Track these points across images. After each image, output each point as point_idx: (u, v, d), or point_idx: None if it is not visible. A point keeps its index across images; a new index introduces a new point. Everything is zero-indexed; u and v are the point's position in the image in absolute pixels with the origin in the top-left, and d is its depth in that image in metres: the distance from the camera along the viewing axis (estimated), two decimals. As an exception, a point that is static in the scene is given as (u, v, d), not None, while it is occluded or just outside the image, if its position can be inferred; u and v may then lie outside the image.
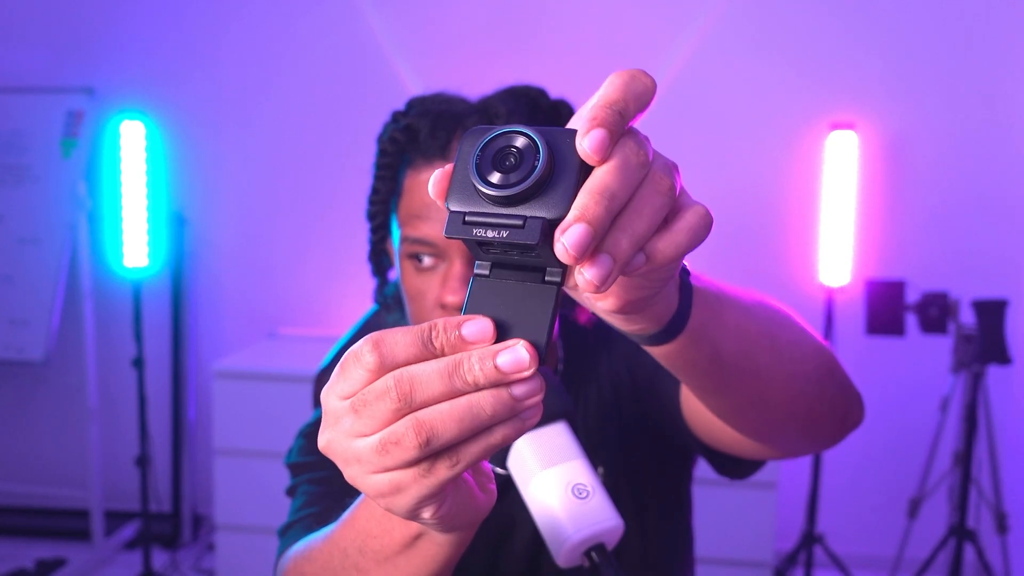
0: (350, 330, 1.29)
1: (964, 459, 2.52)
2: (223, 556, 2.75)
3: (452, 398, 0.42)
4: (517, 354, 0.41)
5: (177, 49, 3.21)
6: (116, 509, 3.31)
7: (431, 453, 0.42)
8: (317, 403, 1.26)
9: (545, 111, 0.97)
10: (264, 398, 2.67)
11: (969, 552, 2.82)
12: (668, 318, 0.53)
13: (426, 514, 0.45)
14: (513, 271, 0.44)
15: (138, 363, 2.94)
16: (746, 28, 2.97)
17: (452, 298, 0.85)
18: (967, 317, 2.57)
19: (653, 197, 0.42)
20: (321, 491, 0.87)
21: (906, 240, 2.99)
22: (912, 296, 2.59)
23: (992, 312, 2.41)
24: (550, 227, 0.41)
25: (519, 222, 0.41)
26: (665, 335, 0.54)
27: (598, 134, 0.40)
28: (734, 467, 0.91)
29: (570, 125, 0.44)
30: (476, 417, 0.41)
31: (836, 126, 2.86)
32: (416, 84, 3.03)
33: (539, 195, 0.41)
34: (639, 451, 0.98)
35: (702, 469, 1.14)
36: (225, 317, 3.32)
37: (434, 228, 0.87)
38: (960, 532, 2.54)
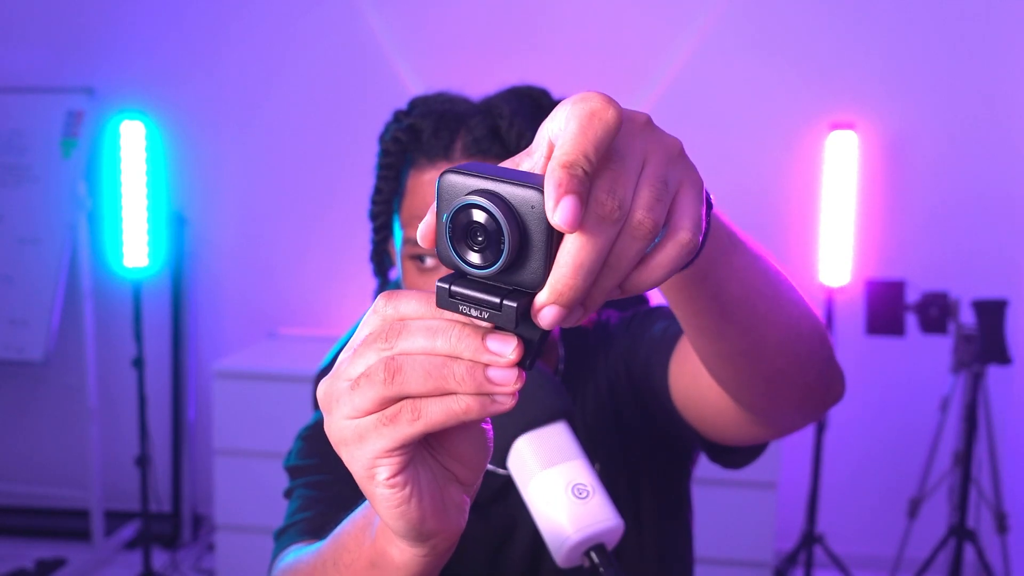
0: (350, 330, 1.29)
1: (964, 459, 2.52)
2: (223, 556, 2.75)
3: (428, 354, 0.43)
4: (505, 341, 0.42)
5: (177, 49, 3.21)
6: (116, 509, 3.31)
7: (395, 396, 0.43)
8: (316, 404, 1.26)
9: (548, 111, 0.97)
10: (264, 398, 2.67)
11: (969, 552, 2.81)
12: None
13: (382, 474, 0.45)
14: None
15: (138, 363, 2.94)
16: (746, 28, 2.97)
17: None
18: (967, 317, 2.57)
19: (630, 246, 0.42)
20: (316, 495, 0.87)
21: (906, 240, 2.99)
22: (912, 296, 2.59)
23: (992, 312, 2.41)
24: (526, 308, 0.42)
25: (497, 301, 0.42)
26: None
27: (566, 205, 0.38)
28: (727, 455, 0.90)
29: (534, 173, 0.43)
30: (444, 377, 0.42)
31: (836, 126, 2.86)
32: (416, 84, 3.03)
33: (514, 267, 0.42)
34: (638, 450, 0.98)
35: (702, 470, 1.14)
36: (225, 317, 3.32)
37: None
38: (960, 532, 2.54)
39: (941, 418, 2.71)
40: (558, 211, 0.38)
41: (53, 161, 3.13)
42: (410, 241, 0.89)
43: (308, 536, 0.81)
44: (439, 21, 3.09)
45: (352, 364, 0.45)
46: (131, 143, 3.03)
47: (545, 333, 0.43)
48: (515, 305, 0.41)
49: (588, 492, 0.70)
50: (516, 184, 0.41)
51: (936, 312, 2.48)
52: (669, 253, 0.43)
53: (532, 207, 0.41)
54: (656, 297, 1.18)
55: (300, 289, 3.25)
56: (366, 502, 0.57)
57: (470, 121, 0.89)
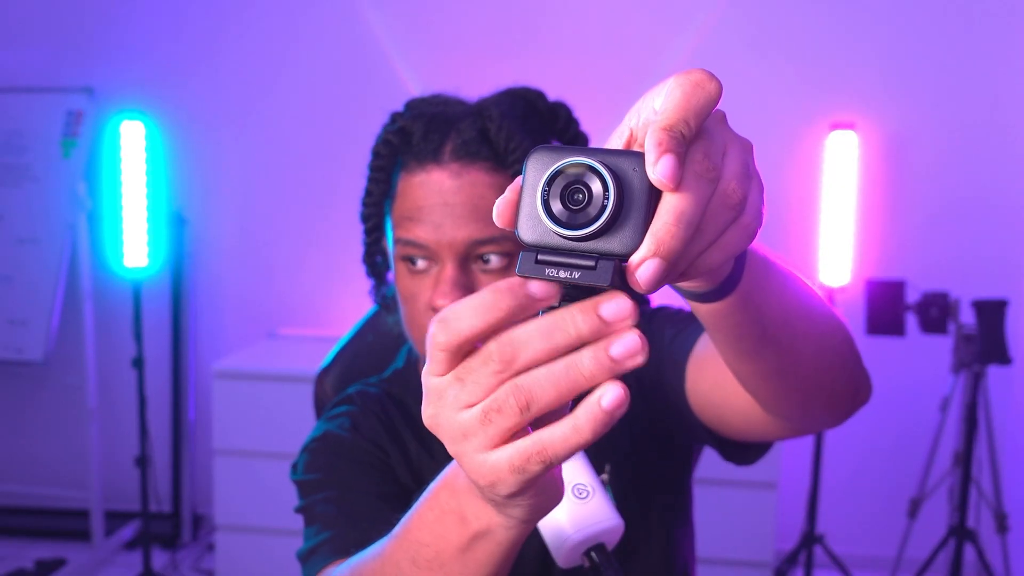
0: (351, 330, 1.29)
1: (964, 459, 2.52)
2: (223, 556, 2.75)
3: (554, 356, 0.41)
4: (620, 303, 0.41)
5: (177, 49, 3.21)
6: (116, 509, 3.31)
7: (532, 420, 0.42)
8: (318, 405, 1.26)
9: (543, 113, 0.97)
10: (264, 398, 2.67)
11: (969, 552, 2.81)
12: (721, 278, 0.52)
13: (527, 500, 0.45)
14: (579, 294, 0.44)
15: (138, 363, 2.94)
16: (746, 28, 2.97)
17: (443, 301, 0.85)
18: (967, 317, 2.57)
19: (721, 214, 0.43)
20: (335, 512, 0.87)
21: (906, 240, 2.99)
22: (912, 296, 2.59)
23: (992, 312, 2.41)
24: (621, 266, 0.41)
25: (591, 263, 0.41)
26: (716, 294, 0.54)
27: (667, 162, 0.40)
28: (740, 453, 0.90)
29: (635, 145, 0.44)
30: (573, 380, 0.41)
31: (836, 126, 2.86)
32: (416, 84, 3.03)
33: (609, 232, 0.41)
34: (645, 448, 0.98)
35: (702, 470, 1.14)
36: (225, 317, 3.32)
37: (426, 230, 0.87)
38: (960, 532, 2.54)
39: (941, 418, 2.71)
40: (659, 166, 0.40)
41: (53, 161, 3.13)
42: (401, 242, 0.89)
43: (341, 555, 0.80)
44: (439, 21, 3.09)
45: (465, 389, 0.43)
46: (131, 143, 3.03)
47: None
48: (614, 256, 0.41)
49: (588, 492, 0.70)
50: (612, 153, 0.42)
51: (936, 312, 2.48)
52: (734, 235, 0.44)
53: (634, 169, 0.41)
54: (656, 299, 1.17)
55: (300, 289, 3.25)
56: (423, 495, 0.57)
57: (460, 124, 0.89)
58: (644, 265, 0.40)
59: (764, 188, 0.47)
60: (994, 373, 2.72)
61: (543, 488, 0.47)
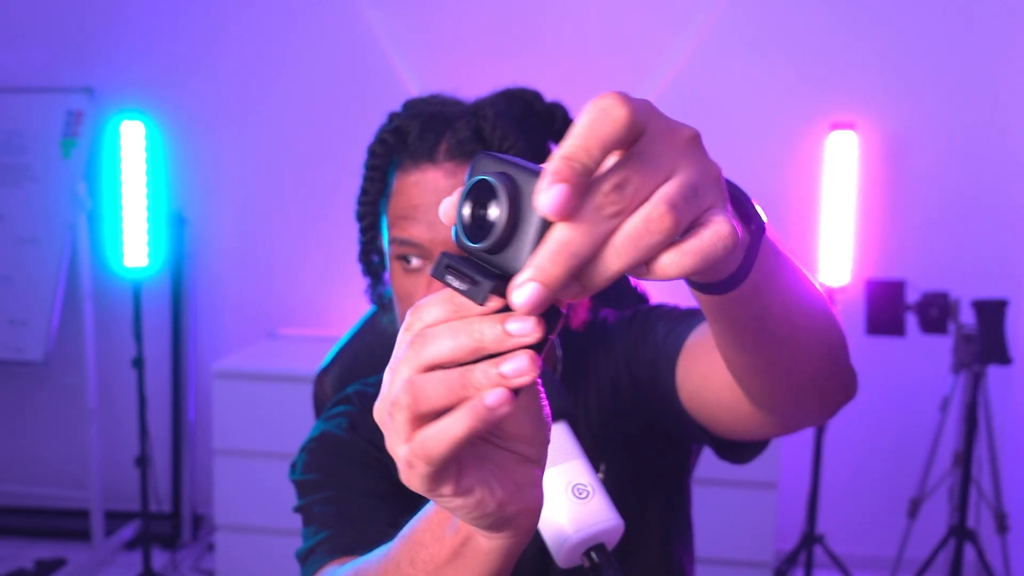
0: (350, 330, 1.29)
1: (964, 459, 2.52)
2: (223, 556, 2.75)
3: (457, 354, 0.43)
4: (526, 323, 0.42)
5: (177, 49, 3.21)
6: (116, 509, 3.31)
7: (424, 416, 0.44)
8: (318, 405, 1.26)
9: (540, 114, 0.97)
10: (264, 398, 2.67)
11: (969, 552, 2.81)
12: (729, 271, 0.51)
13: (446, 491, 0.46)
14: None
15: (138, 363, 2.94)
16: (746, 28, 2.97)
17: None
18: (967, 317, 2.57)
19: (644, 238, 0.40)
20: (334, 512, 0.87)
21: (906, 240, 2.99)
22: (912, 296, 2.59)
23: (992, 312, 2.41)
24: (497, 289, 0.42)
25: (478, 278, 0.42)
26: (722, 287, 0.53)
27: (556, 192, 0.39)
28: (735, 451, 0.91)
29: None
30: (464, 386, 0.43)
31: (836, 126, 2.86)
32: (416, 84, 3.03)
33: (507, 249, 0.42)
34: (641, 447, 0.98)
35: (702, 470, 1.14)
36: (225, 317, 3.32)
37: (421, 229, 0.87)
38: (960, 532, 2.54)
39: (941, 418, 2.71)
40: (545, 196, 0.39)
41: (53, 161, 3.13)
42: (396, 241, 0.90)
43: (339, 554, 0.80)
44: (439, 21, 3.09)
45: (390, 387, 0.46)
46: (131, 143, 3.03)
47: (554, 311, 0.44)
48: (491, 282, 0.42)
49: (588, 492, 0.70)
50: (528, 171, 0.42)
51: (936, 312, 2.48)
52: (704, 240, 0.42)
53: (532, 191, 0.41)
54: (655, 296, 1.17)
55: (300, 289, 3.25)
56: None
57: (456, 124, 0.89)
58: (521, 288, 0.40)
59: (736, 204, 0.46)
60: (994, 373, 2.72)
61: (480, 502, 0.47)
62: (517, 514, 0.49)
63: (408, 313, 0.46)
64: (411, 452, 0.44)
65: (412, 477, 0.45)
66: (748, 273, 0.52)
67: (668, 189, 0.41)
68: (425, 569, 0.57)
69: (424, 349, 0.44)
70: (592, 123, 0.40)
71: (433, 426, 0.43)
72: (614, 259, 0.41)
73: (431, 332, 0.44)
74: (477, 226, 0.43)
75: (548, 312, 0.43)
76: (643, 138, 0.42)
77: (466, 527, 0.53)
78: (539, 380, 0.50)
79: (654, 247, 0.41)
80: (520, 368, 0.42)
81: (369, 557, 0.66)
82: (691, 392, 0.86)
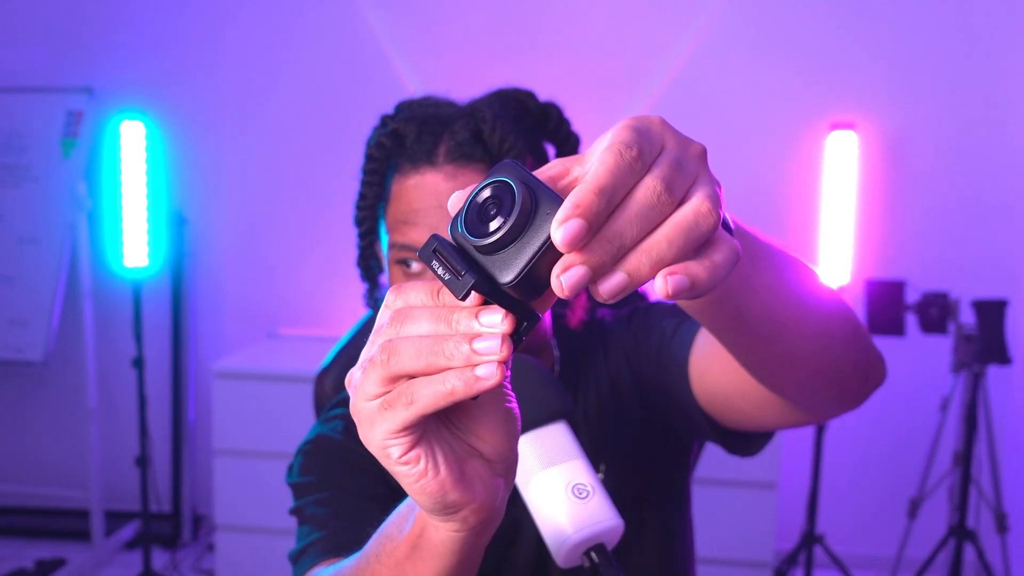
0: (350, 331, 1.29)
1: (964, 459, 2.52)
2: (223, 556, 2.75)
3: (434, 336, 0.45)
4: (496, 317, 0.44)
5: (177, 49, 3.21)
6: (116, 509, 3.31)
7: (394, 376, 0.46)
8: (318, 405, 1.26)
9: (533, 114, 0.97)
10: (264, 398, 2.67)
11: (969, 552, 2.81)
12: None
13: (395, 453, 0.47)
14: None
15: (138, 363, 2.94)
16: (746, 29, 2.97)
17: None
18: (967, 317, 2.57)
19: (678, 239, 0.42)
20: (328, 513, 0.87)
21: (906, 240, 2.99)
22: (912, 296, 2.59)
23: (992, 312, 2.41)
24: (485, 288, 0.43)
25: (462, 271, 0.43)
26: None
27: (573, 226, 0.40)
28: (744, 444, 0.90)
29: (563, 181, 0.45)
30: (435, 353, 0.45)
31: (836, 126, 2.86)
32: (416, 84, 3.03)
33: (501, 252, 0.43)
34: (642, 446, 0.98)
35: (702, 470, 1.14)
36: (225, 317, 3.32)
37: (421, 234, 0.87)
38: (960, 532, 2.54)
39: (941, 418, 2.71)
40: (563, 229, 0.40)
41: (53, 161, 3.13)
42: (395, 246, 0.89)
43: (330, 555, 0.81)
44: (439, 21, 3.09)
45: (367, 351, 0.48)
46: (131, 143, 3.03)
47: (532, 313, 0.45)
48: (474, 278, 0.43)
49: (588, 492, 0.70)
50: (551, 194, 0.43)
51: (936, 312, 2.48)
52: (671, 281, 0.43)
53: (548, 212, 0.42)
54: (654, 293, 1.17)
55: (300, 289, 3.25)
56: (408, 498, 0.58)
57: (453, 126, 0.89)
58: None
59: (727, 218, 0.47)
60: (994, 373, 2.72)
61: (422, 474, 0.48)
62: (461, 504, 0.49)
63: (390, 292, 0.48)
64: (397, 394, 0.46)
65: (381, 423, 0.46)
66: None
67: (706, 189, 0.44)
68: (388, 563, 0.58)
69: (403, 326, 0.46)
70: (617, 168, 0.42)
71: (425, 379, 0.45)
72: (667, 249, 0.42)
73: (412, 312, 0.46)
74: (480, 222, 0.43)
75: (523, 312, 0.44)
76: (666, 149, 0.45)
77: (422, 519, 0.54)
78: (506, 385, 0.51)
79: (702, 237, 0.43)
80: (491, 348, 0.44)
81: (352, 556, 0.67)
82: (710, 386, 0.85)
